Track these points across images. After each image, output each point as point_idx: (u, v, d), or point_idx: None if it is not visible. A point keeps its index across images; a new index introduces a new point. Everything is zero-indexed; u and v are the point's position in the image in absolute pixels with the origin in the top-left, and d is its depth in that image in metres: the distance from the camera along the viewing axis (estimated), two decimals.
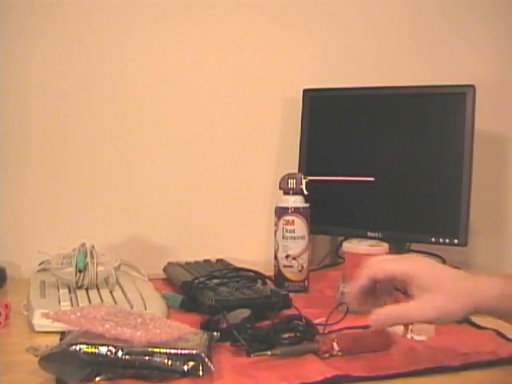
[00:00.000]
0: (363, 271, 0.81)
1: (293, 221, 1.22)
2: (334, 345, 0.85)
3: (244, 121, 1.50)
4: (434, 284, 0.77)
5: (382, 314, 0.78)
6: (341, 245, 1.29)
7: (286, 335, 0.87)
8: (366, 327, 0.94)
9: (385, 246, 1.18)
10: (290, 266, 1.23)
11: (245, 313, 0.91)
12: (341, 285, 1.17)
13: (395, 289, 0.83)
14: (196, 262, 1.36)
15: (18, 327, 0.97)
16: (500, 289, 0.76)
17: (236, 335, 0.85)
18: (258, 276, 1.18)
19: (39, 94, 1.36)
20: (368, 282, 0.81)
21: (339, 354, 0.85)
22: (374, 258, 0.83)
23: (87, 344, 0.75)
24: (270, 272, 1.25)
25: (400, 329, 0.92)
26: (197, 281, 1.11)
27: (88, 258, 1.09)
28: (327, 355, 0.84)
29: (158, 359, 0.75)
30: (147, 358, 0.75)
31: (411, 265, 0.80)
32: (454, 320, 0.77)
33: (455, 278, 0.78)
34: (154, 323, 0.82)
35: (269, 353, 0.82)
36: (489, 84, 1.51)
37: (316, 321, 0.93)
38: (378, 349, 0.87)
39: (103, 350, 0.75)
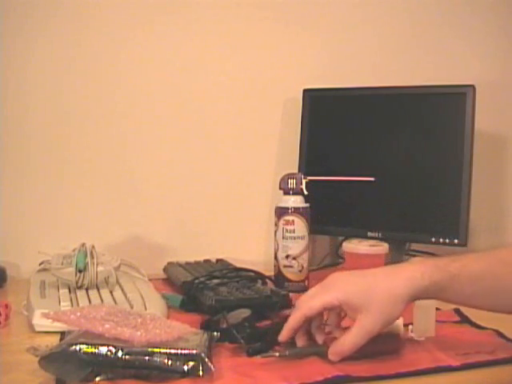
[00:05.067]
0: (293, 314, 0.84)
1: (293, 221, 1.22)
2: None
3: (244, 121, 1.50)
4: (363, 303, 0.80)
5: (332, 353, 0.81)
6: (341, 245, 1.29)
7: None
8: None
9: (385, 246, 1.18)
10: (290, 266, 1.23)
11: (245, 313, 0.91)
12: None
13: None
14: (196, 262, 1.36)
15: (18, 327, 0.97)
16: (422, 282, 0.80)
17: (236, 335, 0.85)
18: (258, 276, 1.18)
19: (39, 93, 1.36)
20: (301, 323, 0.84)
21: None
22: (301, 297, 0.87)
23: (87, 344, 0.75)
24: (270, 272, 1.25)
25: (400, 329, 0.92)
26: (197, 281, 1.11)
27: (88, 258, 1.08)
28: None
29: (158, 359, 0.75)
30: (147, 358, 0.75)
31: (335, 294, 0.82)
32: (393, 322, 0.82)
33: (379, 286, 0.81)
34: (154, 323, 0.82)
35: (277, 354, 0.82)
36: (489, 84, 1.51)
37: None
38: (388, 351, 0.85)
39: (103, 350, 0.75)
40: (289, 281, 1.23)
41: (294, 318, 0.83)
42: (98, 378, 0.75)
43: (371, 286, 0.81)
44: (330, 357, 0.81)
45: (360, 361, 0.83)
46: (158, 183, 1.44)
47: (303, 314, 0.83)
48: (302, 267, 1.23)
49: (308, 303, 0.84)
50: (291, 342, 0.85)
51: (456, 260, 0.82)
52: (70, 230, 1.36)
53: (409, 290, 0.80)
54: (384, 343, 0.85)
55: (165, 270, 1.34)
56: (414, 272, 0.81)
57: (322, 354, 0.83)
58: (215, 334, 0.85)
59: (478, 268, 0.82)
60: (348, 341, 0.80)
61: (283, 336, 0.84)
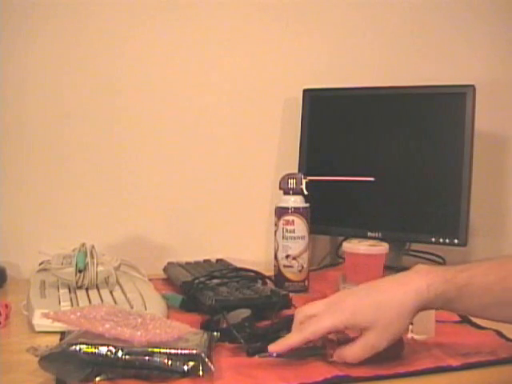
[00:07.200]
0: (295, 335, 0.81)
1: (293, 221, 1.22)
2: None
3: (244, 121, 1.50)
4: (370, 321, 0.79)
5: (337, 359, 0.81)
6: (341, 245, 1.29)
7: (285, 335, 0.87)
8: None
9: (385, 245, 1.18)
10: (290, 266, 1.23)
11: (245, 313, 0.91)
12: (341, 285, 1.17)
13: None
14: (196, 262, 1.36)
15: (18, 327, 0.97)
16: (427, 295, 0.79)
17: (236, 335, 0.85)
18: (258, 276, 1.18)
19: (39, 93, 1.36)
20: (302, 345, 0.81)
21: None
22: (303, 310, 0.84)
23: (87, 344, 0.75)
24: (269, 272, 1.25)
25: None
26: (197, 281, 1.11)
27: (88, 258, 1.08)
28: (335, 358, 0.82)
29: (158, 359, 0.75)
30: (147, 358, 0.75)
31: (341, 318, 0.80)
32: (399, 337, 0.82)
33: (386, 303, 0.80)
34: (154, 323, 0.82)
35: (274, 355, 0.81)
36: (489, 84, 1.51)
37: None
38: (389, 355, 0.82)
39: (103, 349, 0.75)
40: (289, 281, 1.23)
41: (295, 340, 0.80)
42: (98, 378, 0.75)
43: (379, 303, 0.80)
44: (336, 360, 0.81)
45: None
46: (157, 183, 1.44)
47: (306, 338, 0.80)
48: (302, 267, 1.23)
49: (311, 327, 0.80)
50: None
51: (464, 270, 0.81)
52: (70, 230, 1.36)
53: (415, 303, 0.79)
54: (386, 351, 0.82)
55: (165, 270, 1.34)
56: (421, 283, 0.79)
57: (320, 355, 0.83)
58: (215, 334, 0.85)
59: (487, 280, 0.80)
60: (352, 354, 0.80)
61: (277, 349, 0.80)
